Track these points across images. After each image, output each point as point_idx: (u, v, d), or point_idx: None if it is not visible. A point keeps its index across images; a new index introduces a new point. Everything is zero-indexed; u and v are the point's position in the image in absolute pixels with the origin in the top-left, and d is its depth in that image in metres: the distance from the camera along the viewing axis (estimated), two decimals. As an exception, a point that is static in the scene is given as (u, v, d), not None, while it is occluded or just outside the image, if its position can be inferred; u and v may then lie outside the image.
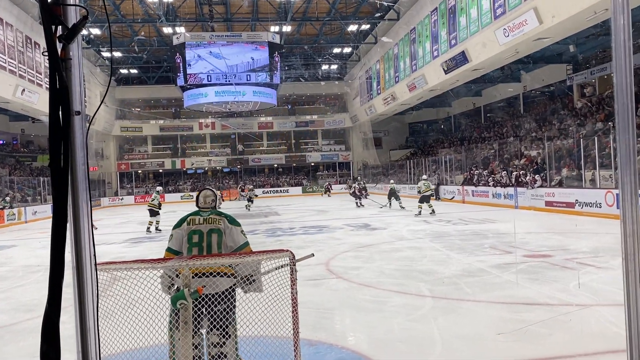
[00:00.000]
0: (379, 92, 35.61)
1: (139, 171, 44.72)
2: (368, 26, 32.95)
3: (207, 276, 3.55)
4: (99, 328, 1.56)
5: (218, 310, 3.53)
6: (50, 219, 1.47)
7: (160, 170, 44.95)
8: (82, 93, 1.45)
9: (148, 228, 16.86)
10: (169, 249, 3.94)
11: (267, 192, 41.02)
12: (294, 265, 3.66)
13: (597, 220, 14.62)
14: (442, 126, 44.94)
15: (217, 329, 3.56)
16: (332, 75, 43.45)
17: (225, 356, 3.66)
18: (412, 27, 28.37)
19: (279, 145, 47.83)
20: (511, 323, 5.28)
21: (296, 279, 3.62)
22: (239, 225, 4.01)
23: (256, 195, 32.82)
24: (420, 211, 18.29)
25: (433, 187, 18.68)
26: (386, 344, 4.92)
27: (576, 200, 16.34)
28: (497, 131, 32.07)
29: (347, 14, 31.56)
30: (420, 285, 7.24)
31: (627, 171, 2.43)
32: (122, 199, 40.51)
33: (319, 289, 7.31)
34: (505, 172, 22.44)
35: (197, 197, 4.16)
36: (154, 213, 16.93)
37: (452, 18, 23.11)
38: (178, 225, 3.99)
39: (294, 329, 3.62)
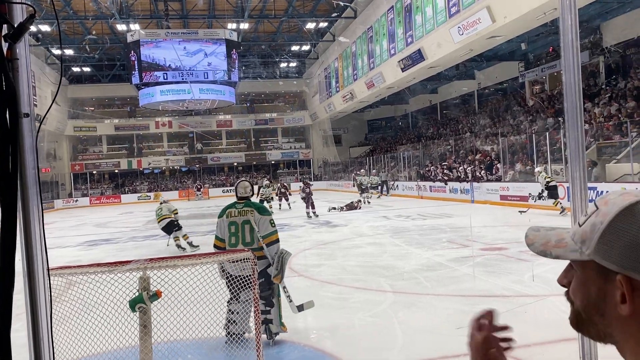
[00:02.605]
0: (337, 89, 35.74)
1: (94, 172, 43.49)
2: (326, 24, 33.00)
3: (237, 261, 4.17)
4: (54, 335, 1.52)
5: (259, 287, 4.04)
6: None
7: (116, 171, 43.80)
8: (30, 94, 1.40)
9: (178, 245, 11.53)
10: (215, 236, 4.80)
11: (227, 191, 40.55)
12: (255, 265, 3.67)
13: (549, 212, 15.12)
14: (400, 123, 45.54)
15: (262, 300, 4.43)
16: (291, 74, 43.31)
17: (271, 321, 4.63)
18: (369, 25, 28.59)
19: (239, 144, 47.32)
20: (469, 315, 5.36)
21: (257, 279, 3.62)
22: (268, 214, 4.70)
23: (274, 190, 23.74)
24: (562, 207, 14.56)
25: (552, 180, 15.04)
26: (349, 340, 4.96)
27: (529, 193, 16.82)
28: (453, 127, 32.68)
29: (304, 12, 31.53)
30: (381, 280, 7.32)
31: (577, 165, 2.53)
32: (76, 200, 39.30)
33: (281, 287, 7.29)
34: (462, 167, 22.94)
35: (236, 188, 4.87)
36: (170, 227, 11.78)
37: (408, 16, 23.41)
38: (220, 215, 4.78)
39: (256, 328, 3.62)
